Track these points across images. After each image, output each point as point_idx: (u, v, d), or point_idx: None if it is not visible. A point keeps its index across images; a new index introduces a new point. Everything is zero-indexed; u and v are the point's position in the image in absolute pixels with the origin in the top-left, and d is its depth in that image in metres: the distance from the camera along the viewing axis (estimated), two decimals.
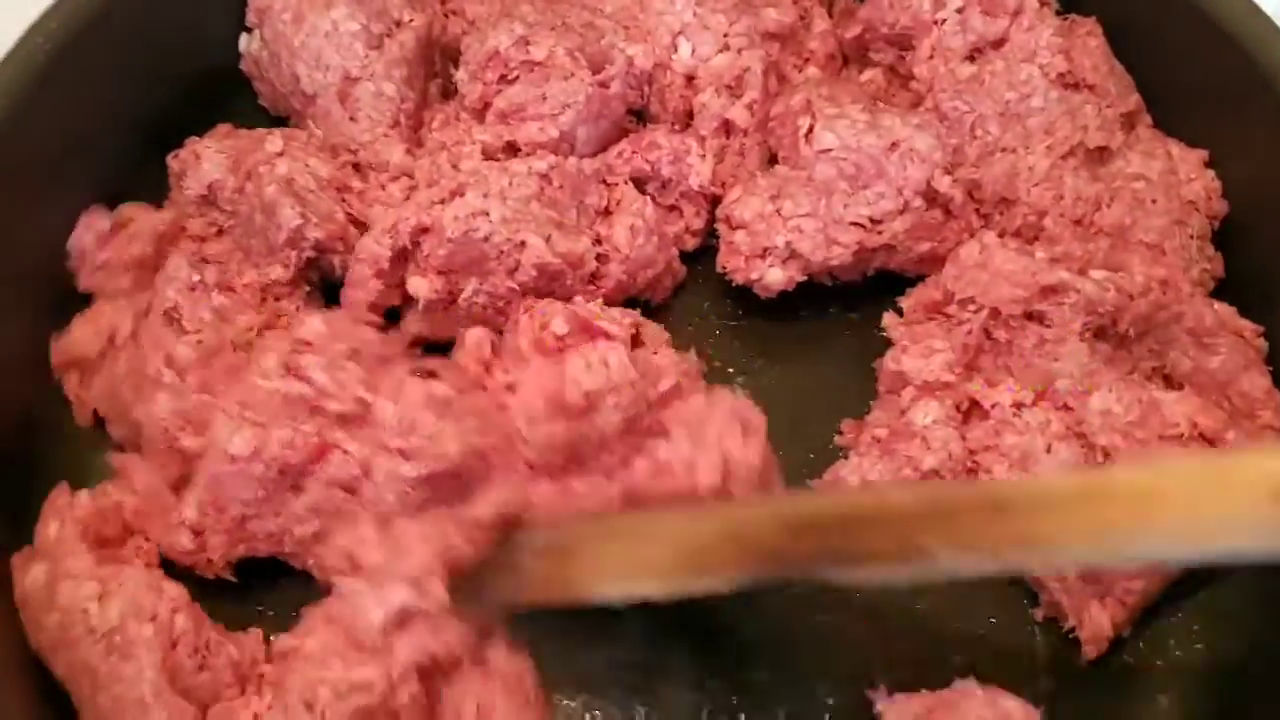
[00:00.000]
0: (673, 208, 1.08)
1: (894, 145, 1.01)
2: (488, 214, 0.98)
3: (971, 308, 0.98)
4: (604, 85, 1.04)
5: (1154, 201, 1.04)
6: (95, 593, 0.86)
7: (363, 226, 1.03)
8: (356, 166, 1.05)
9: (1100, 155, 1.06)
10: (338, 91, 1.05)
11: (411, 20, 1.08)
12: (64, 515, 0.91)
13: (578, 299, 0.98)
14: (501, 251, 0.98)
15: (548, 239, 0.99)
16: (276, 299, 1.03)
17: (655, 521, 0.87)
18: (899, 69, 1.12)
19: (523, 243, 0.98)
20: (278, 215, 0.99)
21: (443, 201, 0.99)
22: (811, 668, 0.95)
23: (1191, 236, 1.04)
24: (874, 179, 1.02)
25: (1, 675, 0.82)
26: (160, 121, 1.07)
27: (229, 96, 1.12)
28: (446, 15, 1.14)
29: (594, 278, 1.02)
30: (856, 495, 0.92)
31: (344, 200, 1.03)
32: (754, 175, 1.07)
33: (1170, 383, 1.00)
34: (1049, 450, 0.94)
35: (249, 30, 1.10)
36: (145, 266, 1.03)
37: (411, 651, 0.84)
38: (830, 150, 1.02)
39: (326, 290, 1.06)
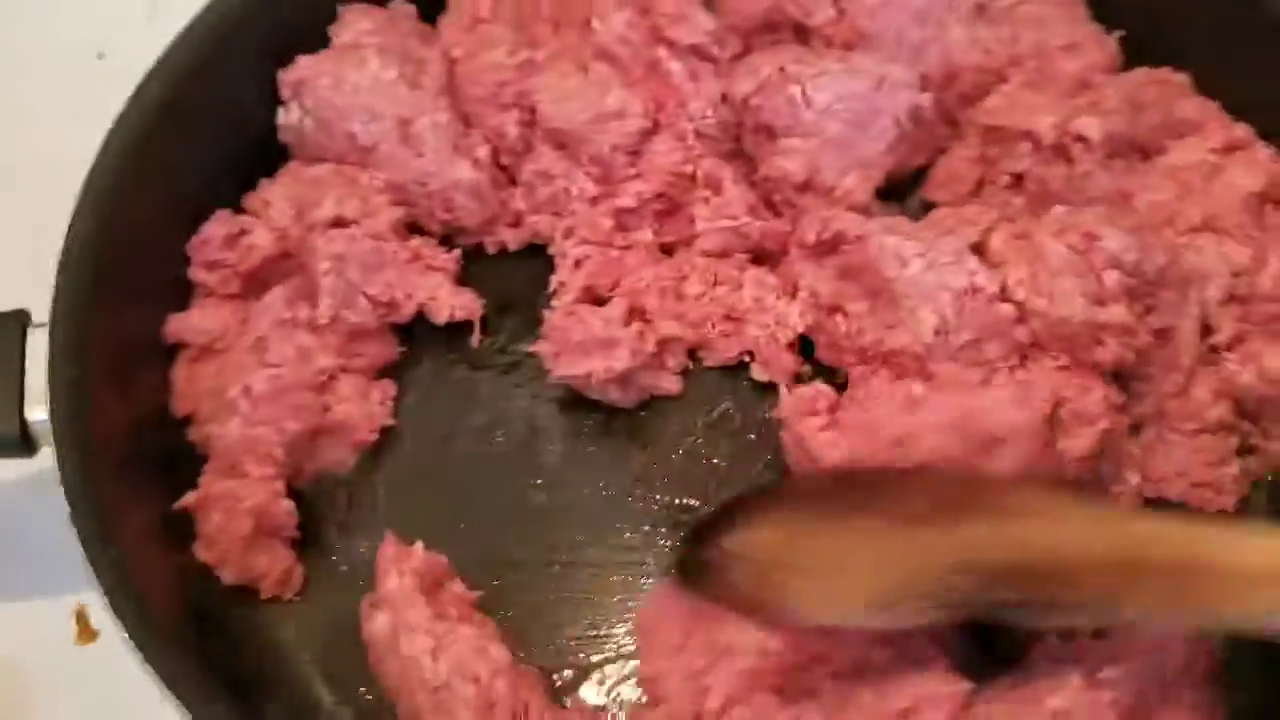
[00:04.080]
0: None
1: (879, 81, 1.09)
2: None
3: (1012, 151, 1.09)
4: None
5: None
6: (429, 647, 0.94)
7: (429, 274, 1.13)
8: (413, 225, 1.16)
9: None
10: (398, 135, 1.13)
11: (429, 55, 1.18)
12: (401, 567, 0.99)
13: None
14: None
15: None
16: (355, 339, 1.11)
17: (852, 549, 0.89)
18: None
19: None
20: (321, 299, 1.09)
21: None
22: None
23: None
24: (873, 117, 1.10)
25: None
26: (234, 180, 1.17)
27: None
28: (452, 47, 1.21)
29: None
30: (1048, 543, 0.84)
31: (397, 252, 1.12)
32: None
33: None
34: None
35: (283, 104, 1.17)
36: (254, 281, 1.13)
37: None
38: (830, 106, 1.09)
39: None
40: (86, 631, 1.15)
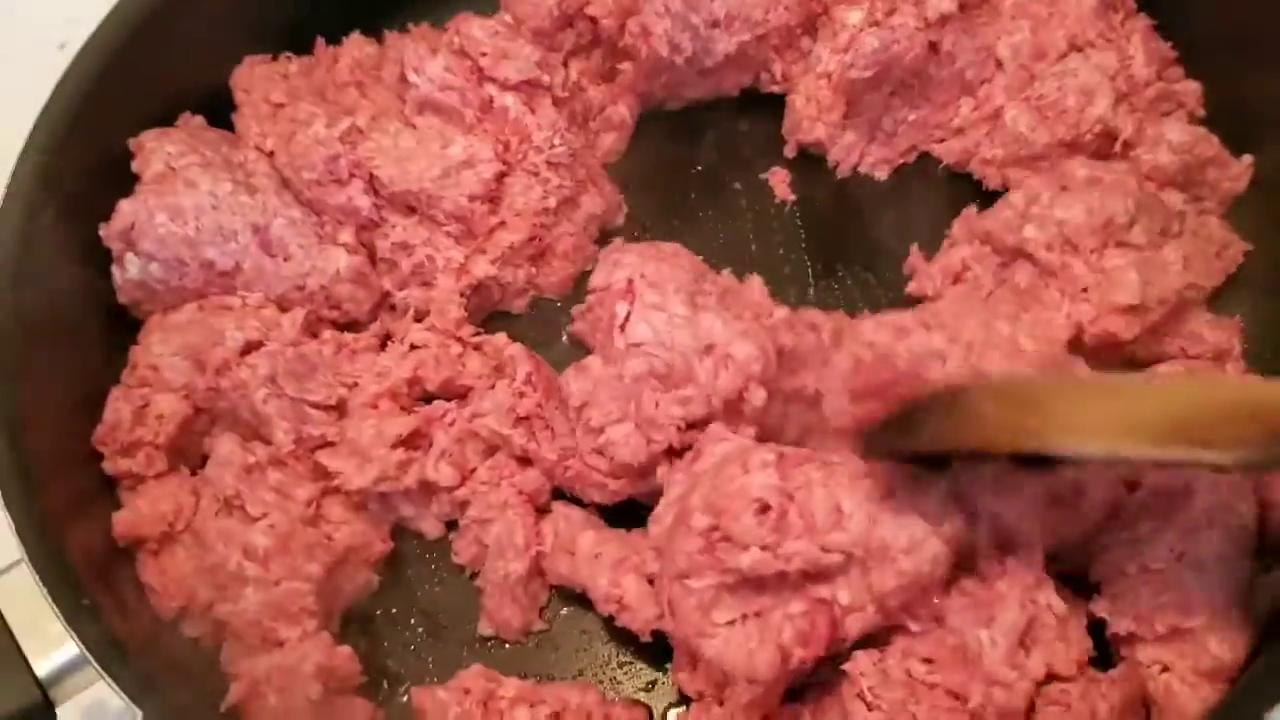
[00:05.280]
0: None
1: (709, 348, 0.95)
2: None
3: None
4: None
5: None
6: None
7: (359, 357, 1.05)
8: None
9: None
10: (258, 245, 1.04)
11: (246, 156, 1.09)
12: None
13: None
14: None
15: None
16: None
17: (1145, 383, 0.81)
18: None
19: None
20: (273, 429, 1.00)
21: None
22: None
23: None
24: (684, 381, 0.95)
25: None
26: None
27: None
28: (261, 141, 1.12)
29: None
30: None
31: (321, 349, 1.03)
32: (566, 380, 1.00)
33: None
34: None
35: (115, 261, 1.05)
36: (177, 450, 1.02)
37: None
38: (643, 344, 0.96)
39: None
40: None
